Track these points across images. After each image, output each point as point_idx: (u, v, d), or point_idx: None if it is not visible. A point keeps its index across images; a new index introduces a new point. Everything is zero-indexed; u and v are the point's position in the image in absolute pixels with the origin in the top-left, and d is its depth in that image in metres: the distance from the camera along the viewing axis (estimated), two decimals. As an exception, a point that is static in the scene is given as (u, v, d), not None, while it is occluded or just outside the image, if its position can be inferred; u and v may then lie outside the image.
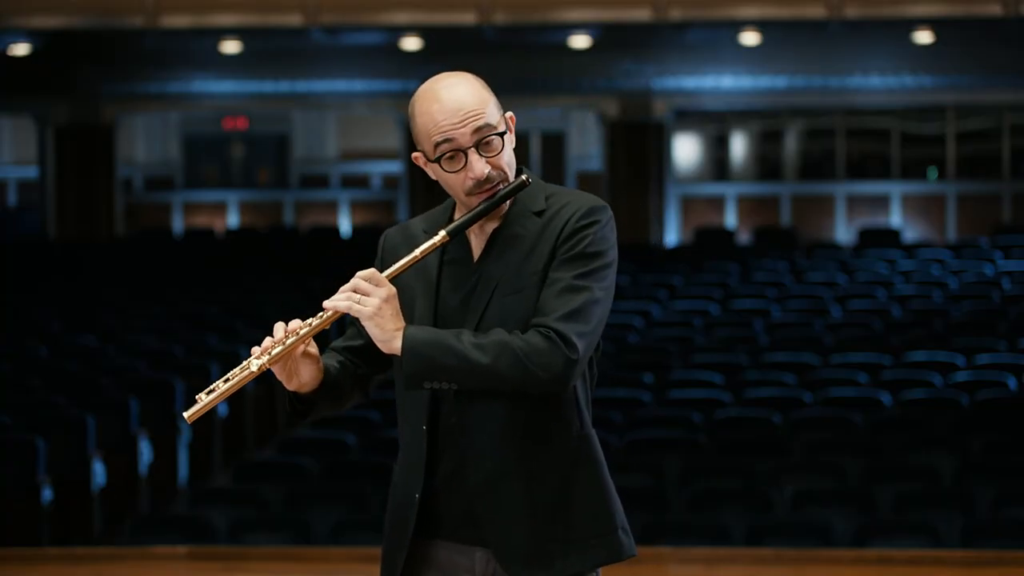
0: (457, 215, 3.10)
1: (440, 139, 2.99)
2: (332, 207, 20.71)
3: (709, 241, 17.33)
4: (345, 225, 19.97)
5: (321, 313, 2.99)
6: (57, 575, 6.94)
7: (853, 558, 6.91)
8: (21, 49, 14.57)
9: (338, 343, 3.19)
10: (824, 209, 18.92)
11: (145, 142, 22.32)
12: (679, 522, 7.53)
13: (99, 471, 8.86)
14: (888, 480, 8.10)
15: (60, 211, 17.59)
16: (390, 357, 3.12)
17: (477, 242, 3.09)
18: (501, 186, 3.03)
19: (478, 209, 3.02)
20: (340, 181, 22.03)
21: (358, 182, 21.98)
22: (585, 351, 2.94)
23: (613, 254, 3.03)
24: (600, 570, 3.11)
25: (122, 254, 16.34)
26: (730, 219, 18.97)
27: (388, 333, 2.93)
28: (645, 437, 8.90)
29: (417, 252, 3.01)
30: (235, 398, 10.71)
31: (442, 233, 3.01)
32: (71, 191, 17.55)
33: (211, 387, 2.97)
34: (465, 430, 3.01)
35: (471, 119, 2.98)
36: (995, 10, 13.36)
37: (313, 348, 3.04)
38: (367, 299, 2.93)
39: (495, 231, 3.07)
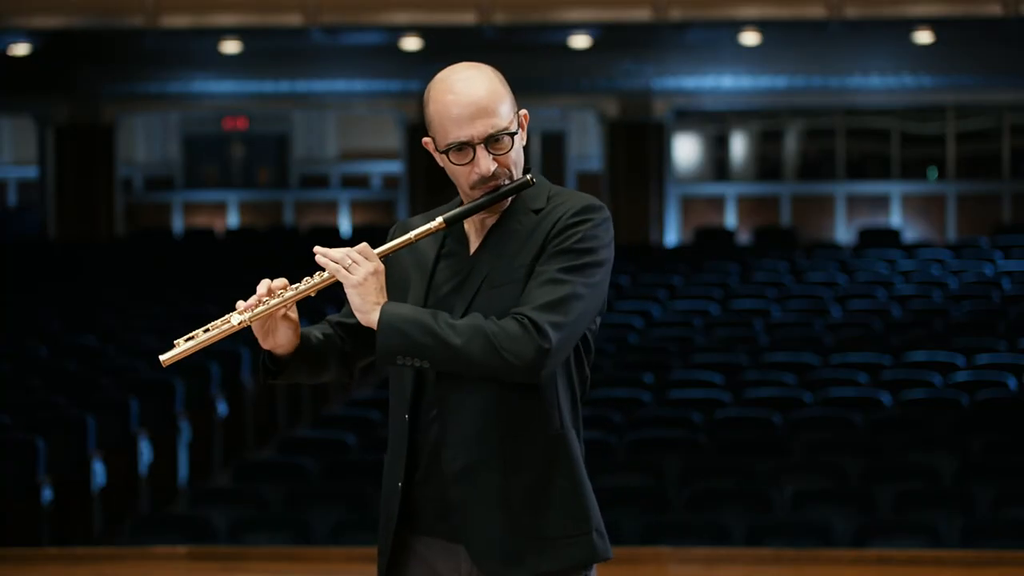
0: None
1: (450, 131, 3.01)
2: (332, 207, 20.70)
3: (709, 241, 17.33)
4: (345, 225, 19.96)
5: (307, 278, 3.03)
6: (57, 575, 6.93)
7: (853, 558, 6.91)
8: (21, 49, 14.57)
9: (333, 316, 3.22)
10: (824, 209, 18.92)
11: (145, 142, 22.32)
12: (679, 522, 7.53)
13: (99, 471, 8.86)
14: (888, 480, 8.10)
15: (60, 211, 17.59)
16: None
17: (475, 236, 3.11)
18: (506, 183, 3.05)
19: (478, 202, 3.05)
20: (340, 181, 22.04)
21: (358, 182, 21.98)
22: (560, 343, 2.94)
23: (605, 254, 3.03)
24: (595, 570, 3.10)
25: (122, 254, 16.33)
26: (730, 219, 18.96)
27: (368, 304, 2.97)
28: (645, 437, 8.90)
29: (411, 234, 3.05)
30: (235, 398, 10.72)
31: (439, 219, 3.04)
32: (71, 191, 17.55)
33: (190, 334, 3.00)
34: (443, 420, 3.03)
35: (483, 116, 3.00)
36: (995, 10, 13.36)
37: (293, 313, 3.06)
38: (355, 267, 2.97)
39: (492, 226, 3.09)
